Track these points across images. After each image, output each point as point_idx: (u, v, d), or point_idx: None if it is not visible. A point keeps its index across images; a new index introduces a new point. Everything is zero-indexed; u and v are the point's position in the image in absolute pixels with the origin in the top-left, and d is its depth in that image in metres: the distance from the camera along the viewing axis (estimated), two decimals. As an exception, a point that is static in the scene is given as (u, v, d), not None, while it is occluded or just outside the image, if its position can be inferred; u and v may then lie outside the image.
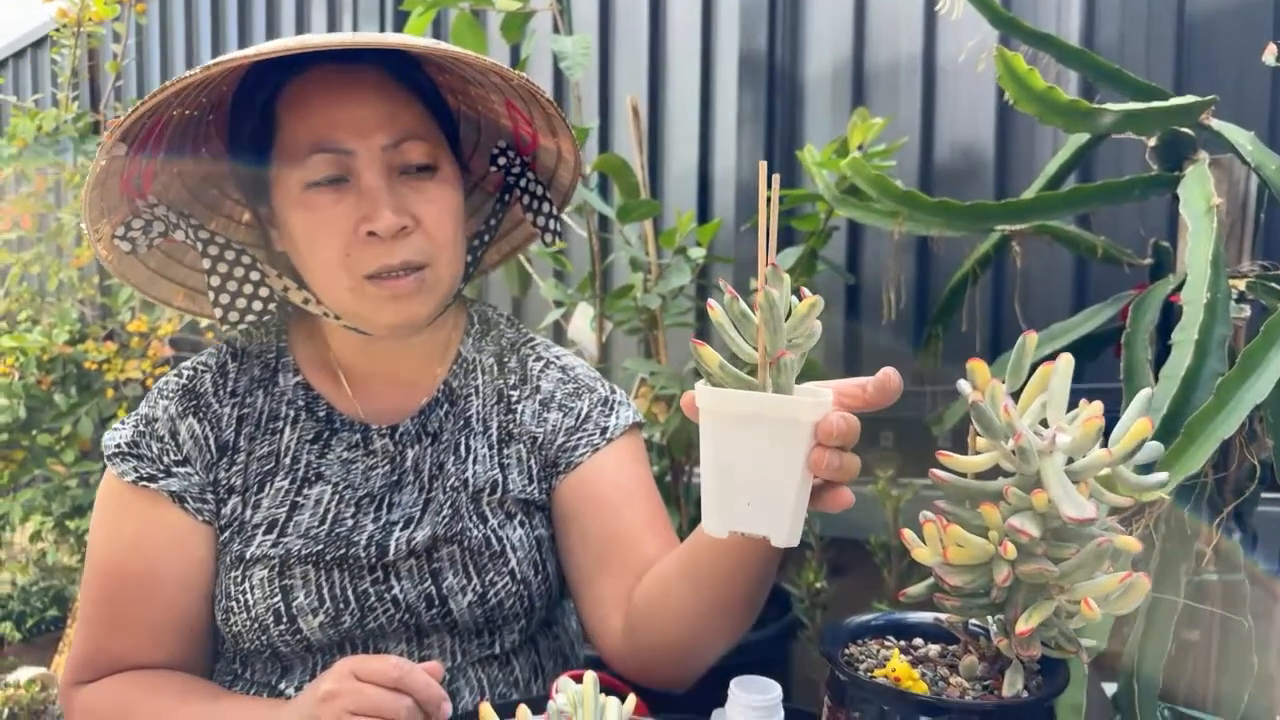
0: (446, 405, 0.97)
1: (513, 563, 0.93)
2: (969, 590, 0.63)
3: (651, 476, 1.01)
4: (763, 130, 2.07)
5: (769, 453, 0.60)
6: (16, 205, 2.65)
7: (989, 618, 0.67)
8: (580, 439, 0.98)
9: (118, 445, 0.92)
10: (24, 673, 2.84)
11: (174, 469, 0.92)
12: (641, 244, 1.72)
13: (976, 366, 0.65)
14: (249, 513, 0.91)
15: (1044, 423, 0.65)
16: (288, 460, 0.93)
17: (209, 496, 0.92)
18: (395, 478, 0.94)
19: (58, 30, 2.76)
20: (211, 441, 0.93)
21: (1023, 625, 0.60)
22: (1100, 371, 1.27)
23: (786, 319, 0.62)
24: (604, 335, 1.72)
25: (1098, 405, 0.63)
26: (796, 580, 1.57)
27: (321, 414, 0.95)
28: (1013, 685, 0.62)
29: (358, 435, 0.95)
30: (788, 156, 2.04)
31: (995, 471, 0.67)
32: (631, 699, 0.76)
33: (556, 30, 1.68)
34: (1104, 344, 1.30)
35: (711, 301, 0.64)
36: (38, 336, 2.49)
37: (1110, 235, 1.38)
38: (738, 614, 0.85)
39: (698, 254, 1.64)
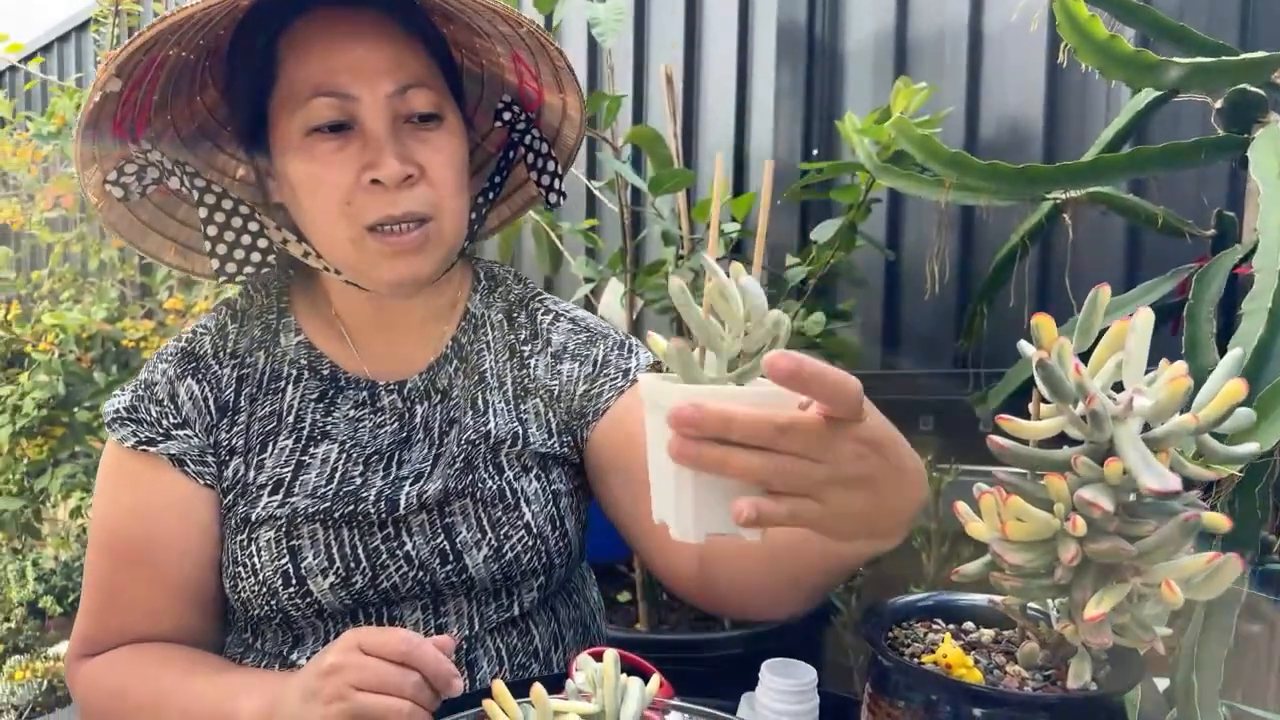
0: (456, 361, 0.95)
1: (527, 515, 0.90)
2: (1030, 570, 0.57)
3: None
4: (801, 104, 2.00)
5: (655, 439, 0.55)
6: (57, 185, 2.65)
7: (1051, 601, 0.61)
8: (603, 384, 0.95)
9: (116, 411, 0.90)
10: (65, 646, 2.87)
11: (173, 432, 0.89)
12: (674, 218, 1.66)
13: (1042, 322, 0.59)
14: (252, 474, 0.89)
15: (1118, 386, 0.59)
16: (291, 419, 0.91)
17: (209, 459, 0.89)
18: (404, 435, 0.92)
19: (99, 11, 2.76)
20: (211, 403, 0.90)
21: (1093, 610, 0.54)
22: (1154, 349, 1.20)
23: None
24: (634, 312, 1.66)
25: (1181, 365, 0.56)
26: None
27: (325, 372, 0.93)
28: (1079, 676, 0.56)
29: (364, 393, 0.92)
30: (826, 131, 1.97)
31: (1060, 441, 0.61)
32: (655, 679, 0.71)
33: (589, -3, 1.63)
34: (1160, 320, 1.22)
35: (674, 277, 0.58)
36: (77, 315, 2.48)
37: (1168, 205, 1.30)
38: (806, 590, 0.79)
39: (732, 228, 1.58)
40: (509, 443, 0.92)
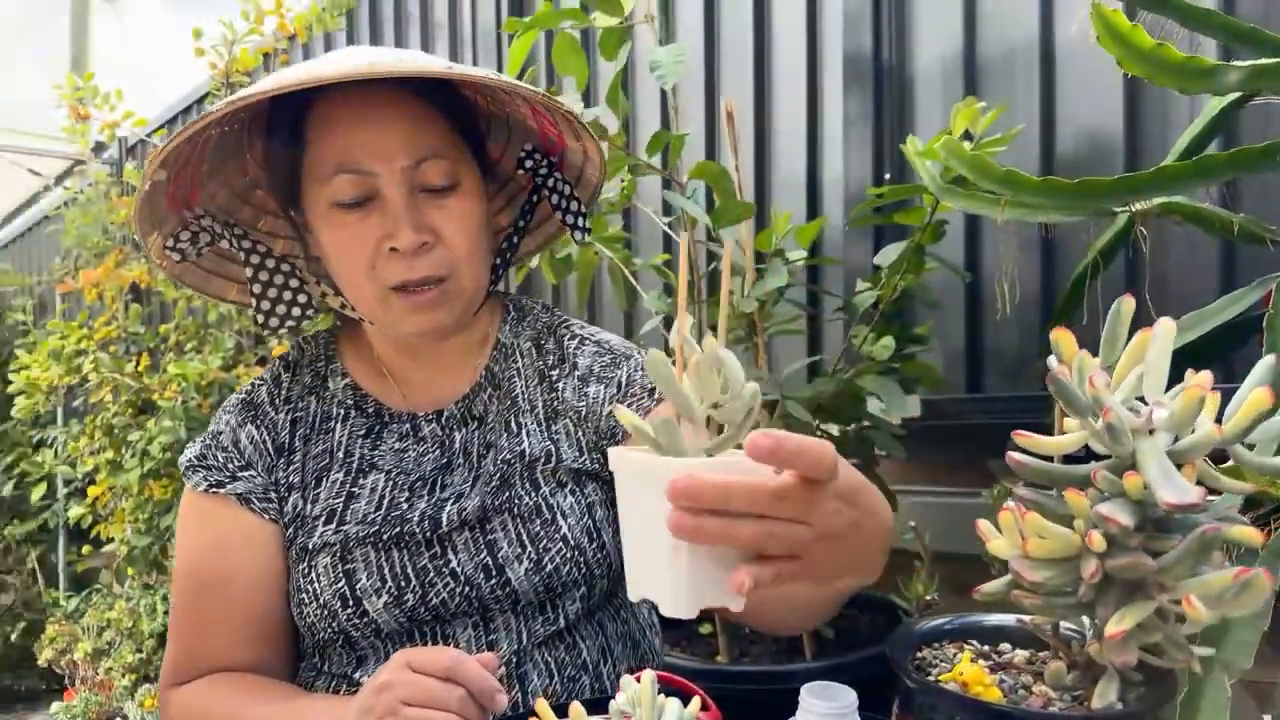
0: (490, 389, 1.01)
1: (564, 529, 0.95)
2: (1051, 587, 0.56)
3: None
4: (870, 130, 1.99)
5: (643, 514, 0.55)
6: (180, 244, 2.87)
7: (1084, 620, 0.60)
8: (630, 404, 0.98)
9: (189, 460, 1.00)
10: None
11: (239, 474, 0.98)
12: (740, 250, 1.67)
13: (1061, 337, 0.59)
14: (309, 507, 0.96)
15: (1143, 400, 0.58)
16: (341, 454, 0.98)
17: (273, 496, 0.98)
18: (445, 460, 0.98)
19: (214, 85, 2.98)
20: (269, 444, 0.99)
21: (1114, 628, 0.53)
22: (1243, 363, 1.14)
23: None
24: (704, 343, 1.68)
25: (1205, 375, 0.55)
26: (905, 592, 1.48)
27: (370, 410, 1.01)
28: (1104, 696, 0.55)
29: (407, 425, 1.00)
30: (897, 156, 1.95)
31: (1090, 457, 0.60)
32: (696, 702, 0.72)
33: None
34: (1250, 333, 1.16)
35: (652, 353, 0.58)
36: (197, 364, 2.68)
37: (1259, 212, 1.23)
38: (802, 620, 0.88)
39: (797, 255, 1.59)
40: (543, 460, 0.96)
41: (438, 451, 0.98)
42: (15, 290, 4.10)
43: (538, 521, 0.94)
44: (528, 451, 0.96)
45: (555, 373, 1.01)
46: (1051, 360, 0.60)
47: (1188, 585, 0.53)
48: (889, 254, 1.47)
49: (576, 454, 0.98)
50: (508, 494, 0.94)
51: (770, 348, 1.68)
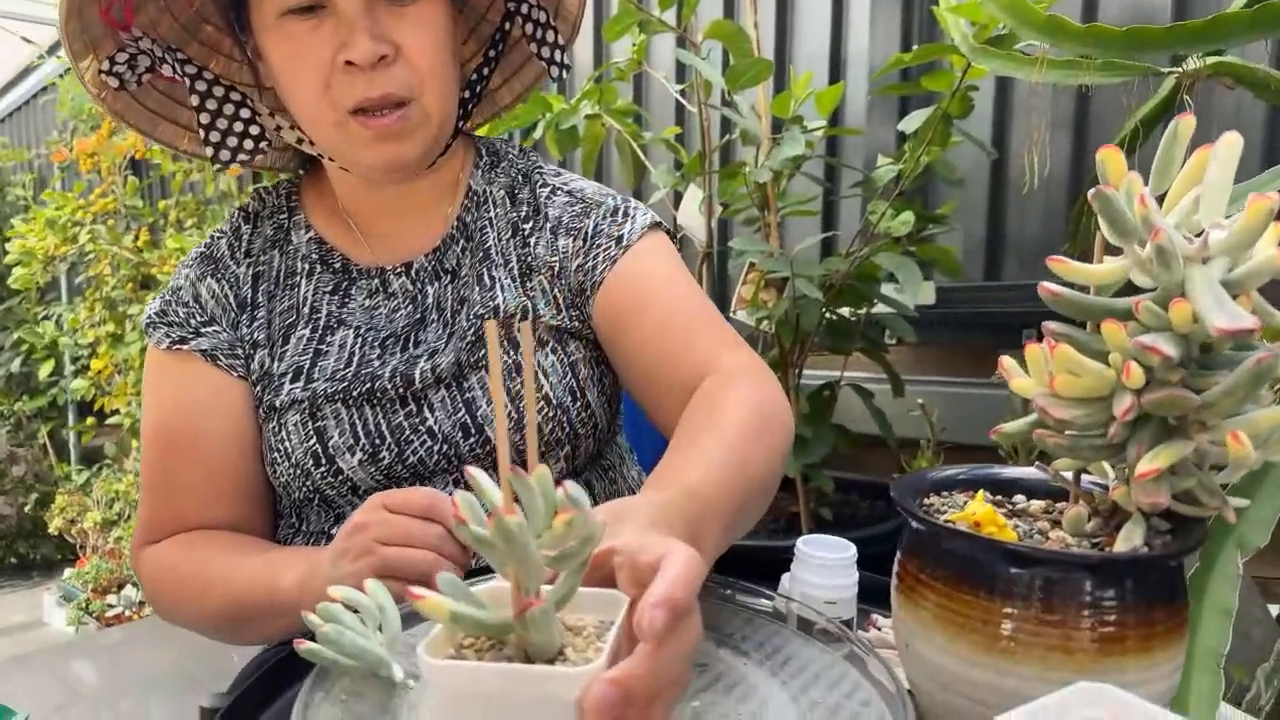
0: (462, 241, 0.95)
1: (545, 388, 0.90)
2: (1079, 426, 0.51)
3: (689, 275, 0.94)
4: (899, 4, 1.88)
5: None
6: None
7: (1106, 466, 0.56)
8: (596, 255, 0.92)
9: (149, 317, 0.95)
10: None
11: (202, 329, 0.93)
12: (755, 117, 1.58)
13: (1108, 155, 0.53)
14: (275, 364, 0.92)
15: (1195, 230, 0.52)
16: (307, 310, 0.93)
17: (239, 352, 0.93)
18: (419, 316, 0.93)
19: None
20: (231, 299, 0.94)
21: (1146, 465, 0.49)
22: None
23: (542, 535, 0.45)
24: (713, 219, 1.61)
25: (1273, 196, 0.49)
26: (908, 472, 1.45)
27: (337, 265, 0.95)
28: (1129, 539, 0.50)
29: (375, 281, 0.94)
30: (928, 27, 1.84)
31: (1126, 292, 0.54)
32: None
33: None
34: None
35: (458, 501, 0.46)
36: (196, 238, 2.62)
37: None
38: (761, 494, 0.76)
39: (816, 125, 1.50)
40: (519, 317, 0.91)
41: (410, 307, 0.93)
42: (14, 166, 4.02)
43: (518, 380, 0.89)
44: (502, 308, 0.91)
45: (528, 226, 0.95)
46: (1095, 191, 0.54)
47: (1233, 423, 0.48)
48: (914, 120, 1.39)
49: (554, 311, 0.93)
50: (484, 351, 0.90)
51: (782, 227, 1.61)
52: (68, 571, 3.08)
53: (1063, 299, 0.53)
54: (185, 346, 0.91)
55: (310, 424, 0.89)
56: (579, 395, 0.92)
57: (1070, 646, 0.50)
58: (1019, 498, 0.60)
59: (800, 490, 1.56)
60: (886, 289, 1.53)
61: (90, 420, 3.25)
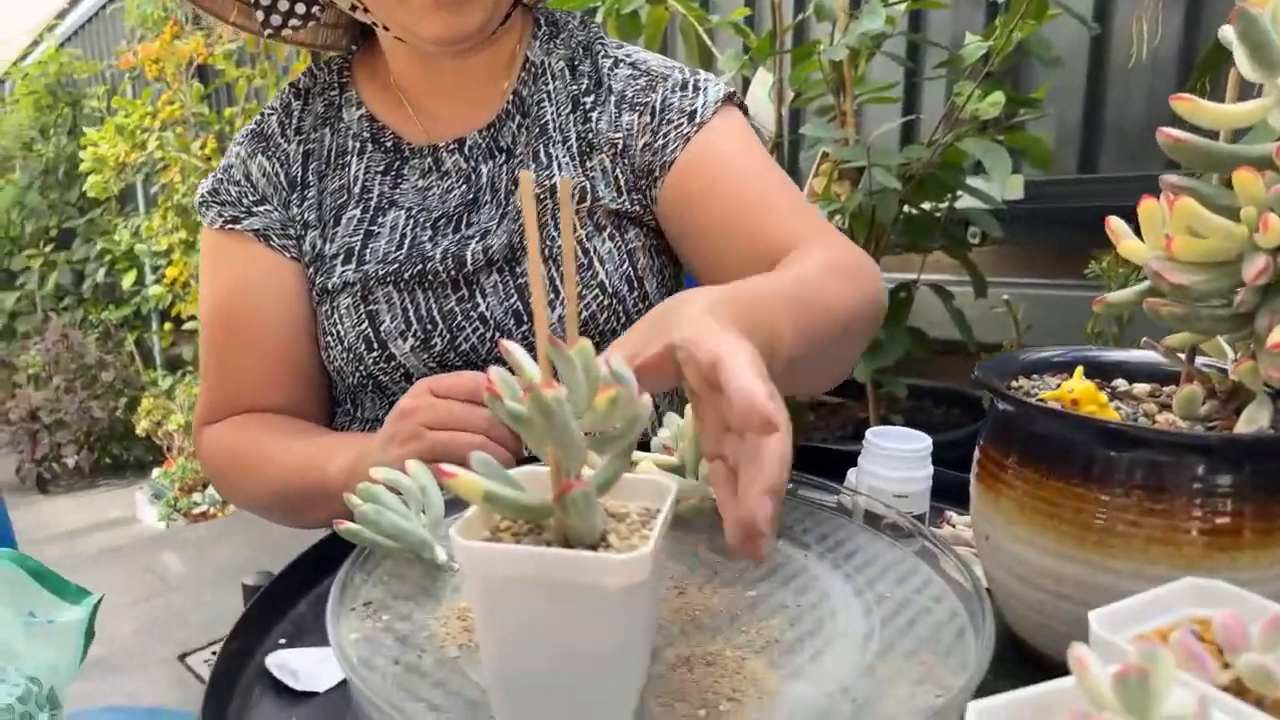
0: (519, 117, 0.89)
1: (601, 275, 0.86)
2: (1199, 293, 0.45)
3: (765, 152, 0.88)
4: None
5: (566, 631, 0.39)
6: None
7: (1225, 346, 0.49)
8: (667, 132, 0.86)
9: (202, 196, 0.93)
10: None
11: (254, 209, 0.91)
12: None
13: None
14: (326, 245, 0.89)
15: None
16: (358, 190, 0.90)
17: (291, 233, 0.91)
18: (471, 196, 0.89)
19: None
20: (282, 177, 0.91)
21: (1278, 336, 0.42)
22: None
23: (584, 415, 0.40)
24: (784, 107, 1.51)
25: None
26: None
27: (389, 144, 0.91)
28: (1253, 420, 0.44)
29: (428, 159, 0.90)
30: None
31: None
32: (748, 442, 0.65)
33: None
34: None
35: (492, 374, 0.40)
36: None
37: None
38: (846, 359, 0.75)
39: (899, -2, 1.38)
40: (576, 199, 0.86)
41: (464, 186, 0.88)
42: (89, 78, 4.07)
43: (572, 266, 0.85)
44: (558, 187, 0.85)
45: (590, 99, 0.89)
46: (1226, 30, 0.46)
47: (1391, 283, 0.41)
48: (1008, -13, 1.27)
49: (614, 194, 0.87)
50: (539, 234, 0.85)
51: (859, 115, 1.51)
52: (156, 471, 3.22)
53: (1186, 146, 0.45)
54: (238, 226, 0.89)
55: (362, 307, 0.86)
56: (636, 285, 0.88)
57: (1176, 539, 0.44)
58: (1121, 382, 0.53)
59: (871, 396, 1.50)
60: (972, 181, 1.43)
61: (169, 326, 3.34)
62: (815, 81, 1.51)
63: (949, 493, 0.71)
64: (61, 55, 3.88)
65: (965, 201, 1.43)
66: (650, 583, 0.38)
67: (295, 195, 0.91)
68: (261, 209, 0.91)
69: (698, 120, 0.85)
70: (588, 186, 0.87)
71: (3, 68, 4.70)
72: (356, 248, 0.88)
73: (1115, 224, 0.49)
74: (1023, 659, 0.50)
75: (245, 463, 0.86)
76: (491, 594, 0.39)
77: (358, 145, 0.91)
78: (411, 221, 0.88)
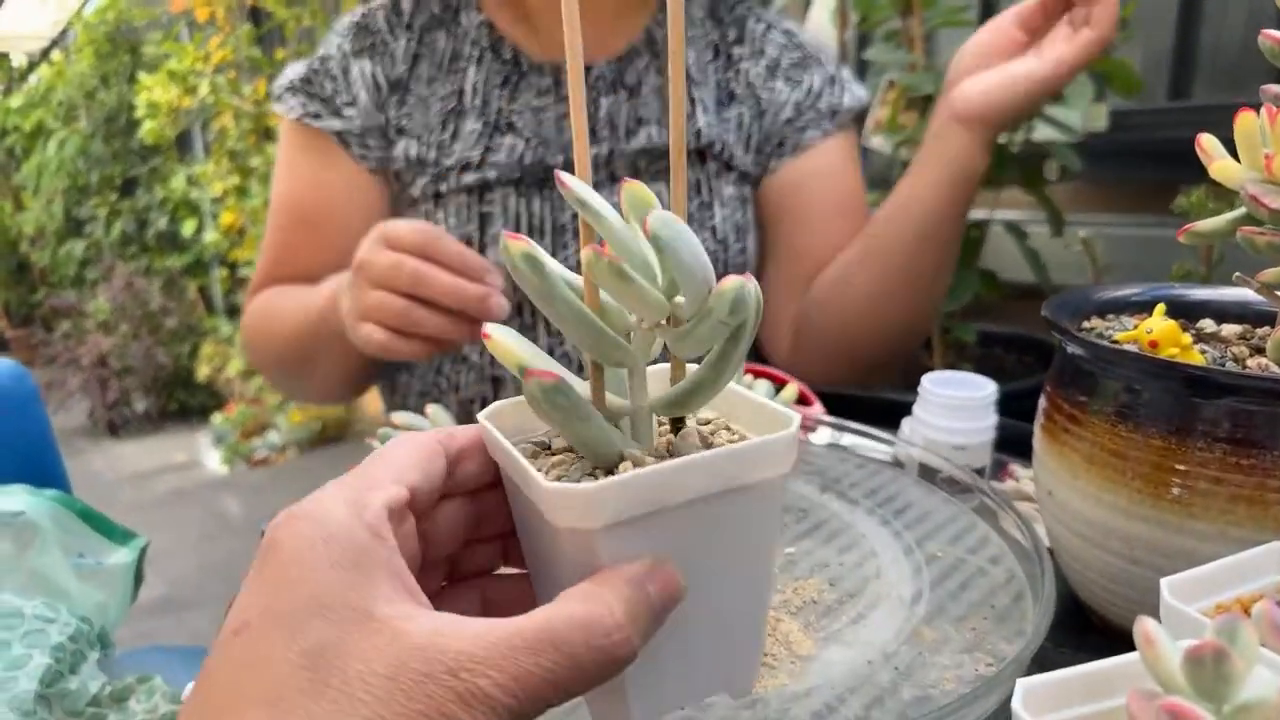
0: (648, 57, 0.87)
1: (717, 218, 0.86)
2: (1305, 220, 0.39)
3: (862, 182, 0.93)
4: None
5: (537, 546, 0.31)
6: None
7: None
8: (810, 118, 0.88)
9: (290, 82, 0.89)
10: (336, 403, 3.28)
11: (343, 110, 0.86)
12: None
13: None
14: (433, 153, 0.86)
15: None
16: (478, 102, 0.86)
17: (370, 142, 0.87)
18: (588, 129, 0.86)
19: None
20: (383, 79, 0.86)
21: (1400, 268, 0.36)
22: None
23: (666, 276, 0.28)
24: (847, 31, 1.43)
25: None
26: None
27: (508, 56, 0.86)
28: (1363, 364, 0.39)
29: (548, 80, 0.85)
30: None
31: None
32: (791, 388, 0.61)
33: None
34: None
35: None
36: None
37: None
38: (922, 291, 0.83)
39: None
40: (711, 148, 0.86)
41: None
42: (146, 24, 4.10)
43: (695, 201, 0.84)
44: (703, 131, 0.85)
45: (736, 50, 0.88)
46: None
47: None
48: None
49: (742, 151, 0.87)
50: (649, 179, 0.84)
51: (930, 40, 1.42)
52: (218, 416, 3.30)
53: (1295, 51, 0.39)
54: (316, 123, 0.86)
55: (476, 207, 0.84)
56: (740, 236, 0.88)
57: (1265, 498, 0.40)
58: (1208, 322, 0.48)
59: (938, 343, 1.44)
60: (1050, 110, 1.34)
61: (224, 273, 3.40)
62: (881, 4, 1.42)
63: (1016, 445, 0.67)
64: (120, 2, 3.91)
65: (1043, 133, 1.34)
66: (653, 541, 0.27)
67: (395, 97, 0.86)
68: (350, 111, 0.86)
69: (836, 120, 0.88)
70: (724, 139, 0.87)
71: (66, 18, 4.76)
72: (475, 160, 0.85)
73: (1207, 142, 0.43)
74: (1088, 627, 0.46)
75: (266, 320, 0.87)
76: (508, 494, 0.32)
77: (477, 53, 0.87)
78: (529, 152, 0.85)
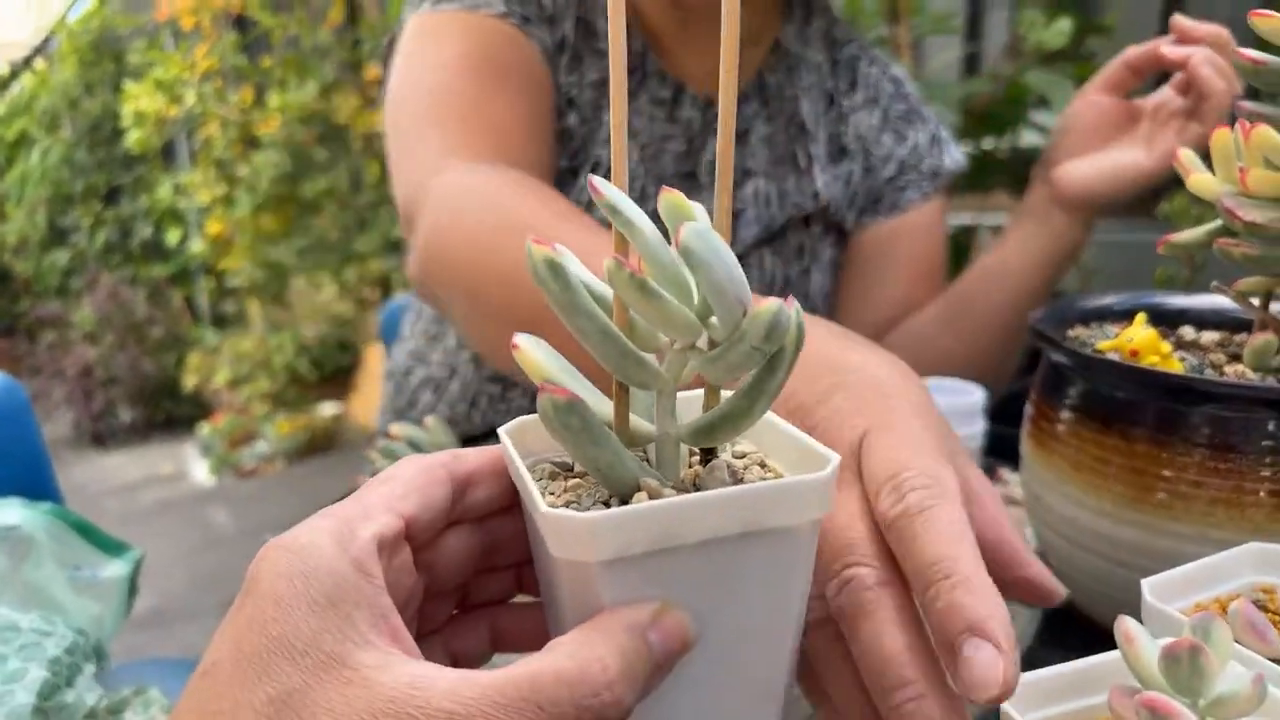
0: (756, 104, 0.80)
1: (814, 284, 0.82)
2: (1276, 231, 0.40)
3: (946, 244, 0.89)
4: None
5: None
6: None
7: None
8: (911, 178, 0.83)
9: None
10: (326, 407, 3.26)
11: (543, 20, 0.72)
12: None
13: None
14: (582, 143, 0.75)
15: None
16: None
17: (559, 82, 0.74)
18: (689, 169, 0.78)
19: None
20: (562, 21, 0.74)
21: (1370, 277, 0.38)
22: None
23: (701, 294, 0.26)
24: None
25: None
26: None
27: (637, 47, 0.76)
28: (1336, 372, 0.40)
29: (668, 91, 0.77)
30: None
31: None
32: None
33: None
34: None
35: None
36: (297, 95, 2.61)
37: None
38: (1000, 358, 0.80)
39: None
40: (828, 210, 0.81)
41: (684, 149, 0.77)
42: (130, 32, 4.09)
43: (796, 267, 0.80)
44: (820, 193, 0.79)
45: (847, 101, 0.82)
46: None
47: None
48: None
49: (846, 205, 0.82)
50: (781, 230, 0.79)
51: (917, 47, 1.43)
52: (205, 427, 3.28)
53: (1268, 68, 0.41)
54: (525, 27, 0.71)
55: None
56: (824, 301, 0.84)
57: (1242, 500, 0.41)
58: (1187, 329, 0.49)
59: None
60: (1036, 116, 1.36)
61: (210, 282, 3.39)
62: (869, 11, 1.44)
63: (1005, 449, 0.68)
64: (104, 10, 3.90)
65: (1029, 139, 1.36)
66: (662, 582, 0.25)
67: (566, 60, 0.73)
68: (551, 29, 0.72)
69: (936, 182, 0.83)
70: (838, 197, 0.81)
71: (49, 26, 4.74)
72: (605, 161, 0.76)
73: (1185, 155, 0.44)
74: (1075, 627, 0.47)
75: (516, 213, 0.58)
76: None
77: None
78: (643, 170, 0.76)
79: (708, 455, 0.28)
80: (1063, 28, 1.22)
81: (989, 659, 0.25)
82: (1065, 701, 0.31)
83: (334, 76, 2.69)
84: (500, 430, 0.29)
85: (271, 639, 0.23)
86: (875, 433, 0.32)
